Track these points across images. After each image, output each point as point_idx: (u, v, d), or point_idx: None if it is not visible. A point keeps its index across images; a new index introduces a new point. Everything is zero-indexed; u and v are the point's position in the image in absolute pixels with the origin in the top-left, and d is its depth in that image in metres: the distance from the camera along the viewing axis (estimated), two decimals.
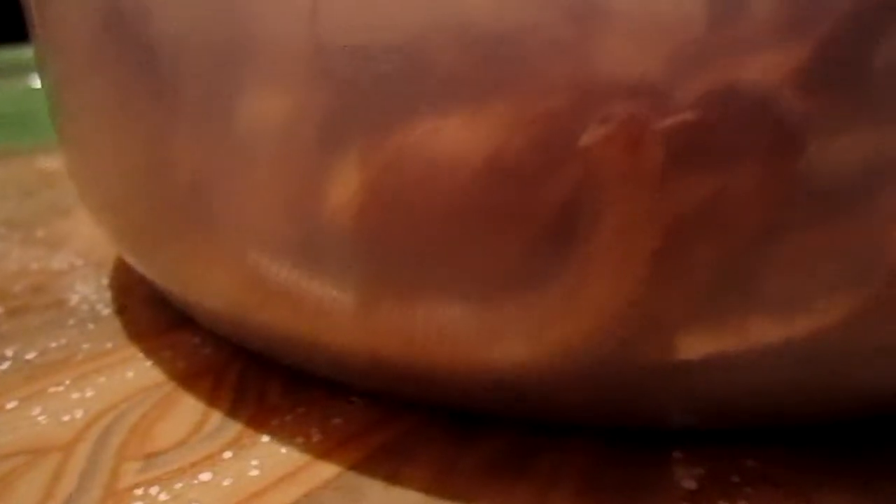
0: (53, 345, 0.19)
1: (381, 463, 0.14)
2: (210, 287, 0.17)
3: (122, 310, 0.21)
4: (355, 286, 0.14)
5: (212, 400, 0.17)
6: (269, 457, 0.15)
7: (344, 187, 0.14)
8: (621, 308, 0.12)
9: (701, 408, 0.14)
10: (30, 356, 0.19)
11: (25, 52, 0.20)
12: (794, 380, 0.13)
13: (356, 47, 0.13)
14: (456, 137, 0.12)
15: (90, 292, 0.22)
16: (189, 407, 0.16)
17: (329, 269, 0.14)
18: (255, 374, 0.18)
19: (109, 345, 0.19)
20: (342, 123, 0.13)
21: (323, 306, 0.15)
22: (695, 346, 0.13)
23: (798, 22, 0.11)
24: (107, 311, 0.21)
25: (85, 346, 0.19)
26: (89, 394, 0.17)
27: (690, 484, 0.14)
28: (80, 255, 0.25)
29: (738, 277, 0.13)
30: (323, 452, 0.15)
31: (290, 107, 0.14)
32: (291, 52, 0.13)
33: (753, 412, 0.14)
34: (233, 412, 0.16)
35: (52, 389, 0.17)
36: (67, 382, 0.17)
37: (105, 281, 0.23)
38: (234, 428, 0.16)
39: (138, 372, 0.18)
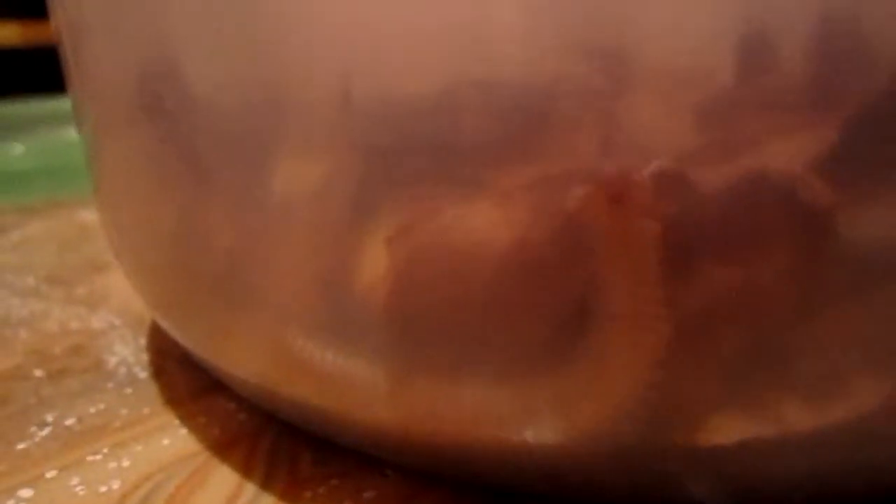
0: (92, 410, 0.20)
1: None
2: (241, 357, 0.17)
3: (158, 373, 0.22)
4: (386, 365, 0.14)
5: (246, 471, 0.17)
6: None
7: (373, 267, 0.14)
8: (639, 391, 0.12)
9: (732, 493, 0.14)
10: (69, 422, 0.19)
11: (68, 103, 0.21)
12: (829, 466, 0.13)
13: (387, 120, 0.13)
14: (481, 225, 0.12)
15: (128, 354, 0.23)
16: (224, 477, 0.17)
17: (359, 347, 0.14)
18: (287, 443, 0.18)
19: (146, 410, 0.20)
20: (371, 201, 0.13)
21: (353, 383, 0.15)
22: (723, 431, 0.13)
23: (824, 105, 0.11)
24: (144, 374, 0.22)
25: (123, 411, 0.20)
26: (126, 463, 0.17)
27: None
28: (119, 314, 0.26)
29: (768, 361, 0.12)
30: None
31: (322, 180, 0.14)
32: (324, 122, 0.14)
33: (789, 499, 0.14)
34: (266, 484, 0.16)
35: (90, 458, 0.18)
36: (105, 451, 0.18)
37: (143, 341, 0.24)
38: (269, 500, 0.16)
39: (174, 440, 0.18)
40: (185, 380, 0.21)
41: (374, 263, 0.14)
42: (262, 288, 0.16)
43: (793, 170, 0.11)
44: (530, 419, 0.14)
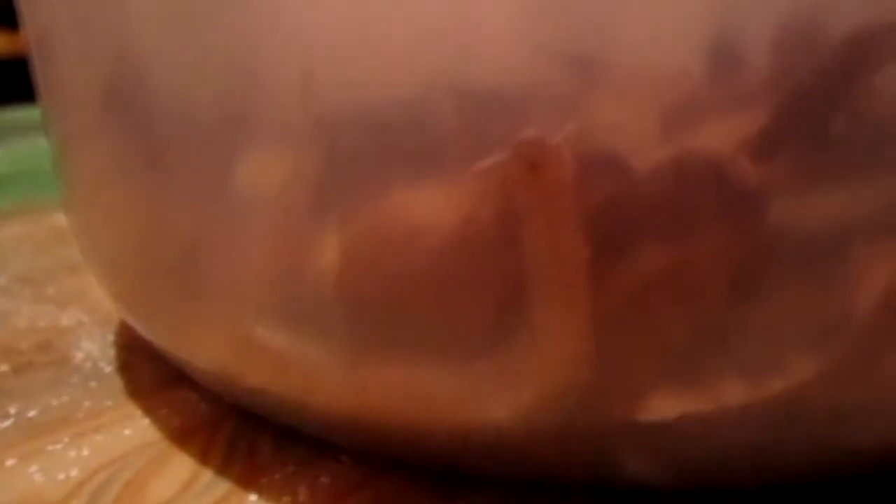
0: (55, 402, 0.20)
1: None
2: (201, 347, 0.17)
3: (124, 367, 0.22)
4: (338, 349, 0.15)
5: (204, 457, 0.17)
6: None
7: (327, 252, 0.14)
8: (575, 368, 0.13)
9: (675, 469, 0.14)
10: (31, 414, 0.19)
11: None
12: (767, 441, 0.13)
13: (352, 118, 0.13)
14: (428, 207, 0.13)
15: (95, 349, 0.23)
16: (181, 465, 0.17)
17: (313, 333, 0.15)
18: (247, 431, 0.18)
19: (109, 402, 0.20)
20: (324, 189, 0.14)
21: (308, 368, 0.15)
22: (661, 407, 0.13)
23: (752, 89, 0.11)
24: (109, 368, 0.22)
25: (86, 403, 0.20)
26: (86, 452, 0.17)
27: None
28: (88, 312, 0.26)
29: (705, 338, 0.13)
30: None
31: (277, 173, 0.14)
32: (281, 120, 0.14)
33: (729, 473, 0.14)
34: (223, 470, 0.16)
35: (50, 447, 0.18)
36: (66, 440, 0.18)
37: (110, 338, 0.24)
38: (224, 486, 0.16)
39: (135, 430, 0.18)
40: (150, 373, 0.21)
41: (328, 249, 0.14)
42: (221, 278, 0.16)
43: (722, 150, 0.12)
44: (475, 399, 0.14)
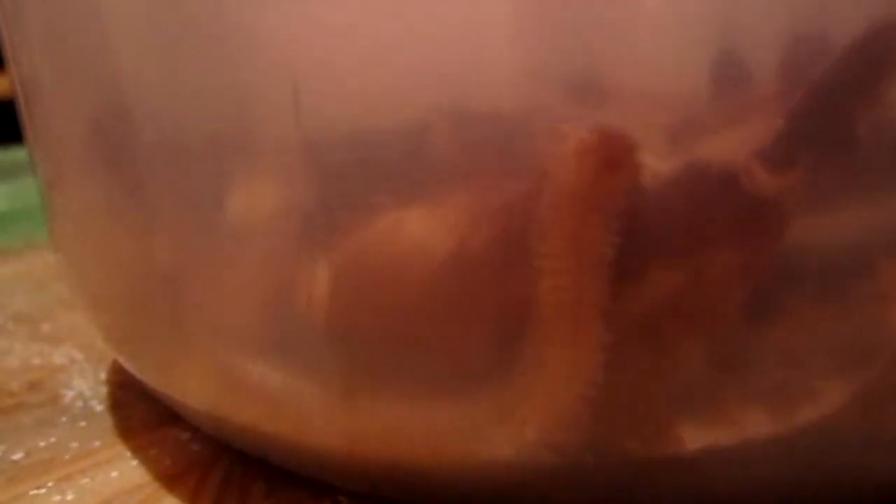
0: (42, 444, 0.19)
1: None
2: (192, 385, 0.17)
3: (115, 406, 0.21)
4: (331, 383, 0.14)
5: (194, 500, 0.16)
6: None
7: (315, 282, 0.13)
8: (585, 398, 0.12)
9: None
10: (17, 456, 0.18)
11: None
12: (797, 474, 0.12)
13: (331, 140, 0.13)
14: (419, 229, 0.12)
15: (86, 388, 0.22)
16: None
17: (305, 367, 0.14)
18: (239, 473, 0.17)
19: (98, 443, 0.19)
20: (313, 217, 0.13)
21: (301, 405, 0.14)
22: (679, 441, 0.12)
23: (762, 103, 0.11)
24: (100, 407, 0.21)
25: (73, 444, 0.19)
26: (70, 496, 0.16)
27: None
28: (82, 349, 0.25)
29: (725, 365, 0.12)
30: None
31: (265, 202, 0.14)
32: (271, 148, 0.13)
33: None
34: None
35: (33, 492, 0.17)
36: (50, 484, 0.17)
37: (103, 376, 0.23)
38: None
39: (123, 472, 0.17)
40: (142, 412, 0.20)
41: (316, 279, 0.13)
42: (209, 312, 0.15)
43: (735, 159, 0.11)
44: (476, 435, 0.13)
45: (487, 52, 0.11)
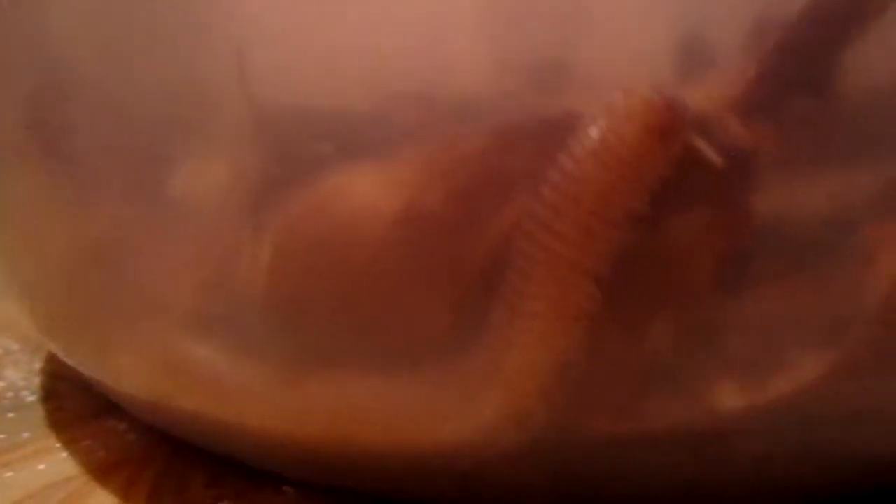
0: None
1: None
2: (128, 372, 0.16)
3: (48, 397, 0.20)
4: (275, 363, 0.13)
5: (126, 494, 0.15)
6: None
7: (255, 255, 0.12)
8: (556, 375, 0.11)
9: (665, 489, 0.12)
10: None
11: None
12: (772, 451, 0.12)
13: (282, 116, 0.12)
14: (367, 188, 0.11)
15: (18, 378, 0.21)
16: (100, 502, 0.15)
17: (247, 346, 0.13)
18: (179, 463, 0.16)
19: (26, 435, 0.18)
20: (256, 190, 0.12)
21: (243, 386, 0.13)
22: (650, 416, 0.11)
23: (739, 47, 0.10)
24: (32, 398, 0.20)
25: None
26: None
27: None
28: (19, 340, 0.24)
29: (696, 338, 0.11)
30: None
31: (201, 180, 0.13)
32: (213, 126, 0.12)
33: (728, 492, 0.12)
34: None
35: None
36: None
37: (38, 366, 0.22)
38: None
39: (51, 465, 0.16)
40: (77, 403, 0.19)
41: (256, 251, 0.12)
42: (148, 294, 0.14)
43: (708, 110, 0.10)
44: (430, 415, 0.12)
45: (453, 39, 0.11)
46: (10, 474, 0.16)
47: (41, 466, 0.16)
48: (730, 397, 0.11)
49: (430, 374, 0.12)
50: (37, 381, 0.21)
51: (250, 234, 0.13)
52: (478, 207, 0.11)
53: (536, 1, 0.10)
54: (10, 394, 0.20)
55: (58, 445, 0.17)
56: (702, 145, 0.10)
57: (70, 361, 0.18)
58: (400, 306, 0.11)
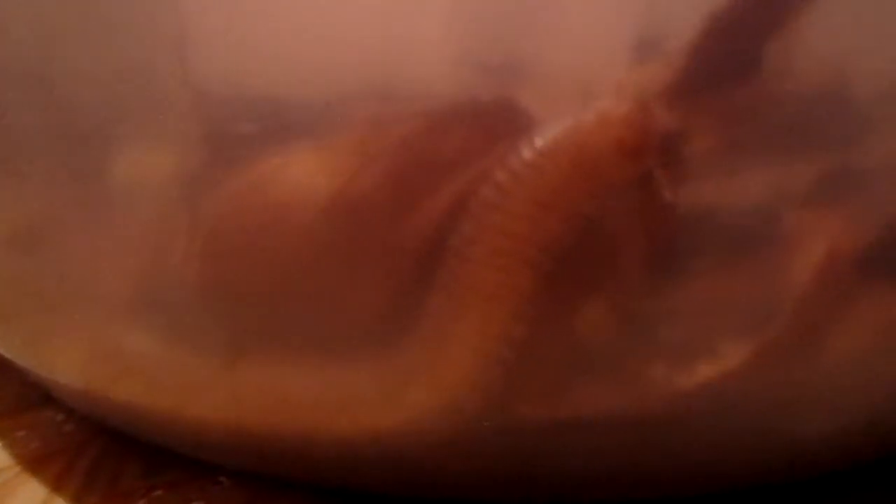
0: None
1: None
2: (62, 361, 0.15)
3: None
4: (209, 351, 0.13)
5: (57, 485, 0.15)
6: None
7: (189, 240, 0.12)
8: (490, 362, 0.11)
9: (598, 478, 0.12)
10: None
11: None
12: (691, 435, 0.12)
13: (223, 106, 0.12)
14: (301, 171, 0.11)
15: None
16: (30, 494, 0.14)
17: (181, 332, 0.13)
18: (114, 453, 0.16)
19: None
20: (186, 173, 0.12)
21: (176, 374, 0.13)
22: (582, 402, 0.11)
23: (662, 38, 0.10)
24: None
25: None
26: None
27: None
28: None
29: (627, 324, 0.11)
30: None
31: (136, 166, 0.12)
32: (150, 112, 0.12)
33: (661, 480, 0.13)
34: (78, 498, 0.14)
35: None
36: None
37: None
38: None
39: None
40: (13, 394, 0.19)
41: (190, 235, 0.12)
42: (80, 281, 0.14)
43: (634, 98, 0.10)
44: (364, 403, 0.12)
45: (411, 31, 0.11)
46: None
47: None
48: (661, 383, 0.11)
49: (364, 360, 0.12)
50: None
51: (185, 219, 0.12)
52: (412, 192, 0.11)
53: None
54: None
55: None
56: (660, 177, 0.10)
57: (3, 351, 0.17)
58: (333, 292, 0.11)
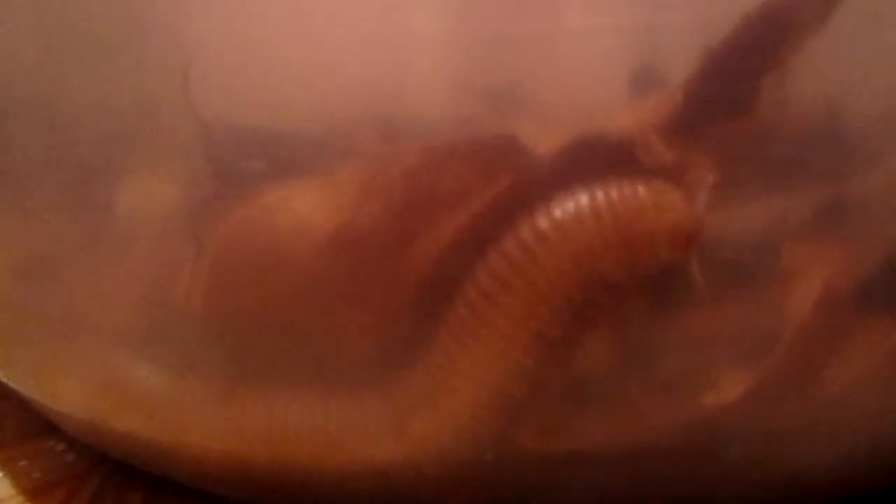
0: None
1: None
2: (64, 391, 0.15)
3: None
4: (211, 380, 0.13)
5: None
6: None
7: (193, 272, 0.12)
8: (493, 396, 0.11)
9: (596, 502, 0.12)
10: None
11: None
12: (699, 464, 0.12)
13: (228, 138, 0.12)
14: (304, 205, 0.11)
15: None
16: None
17: (183, 364, 0.13)
18: (116, 483, 0.16)
19: None
20: (191, 206, 0.12)
21: (179, 405, 0.13)
22: (579, 433, 0.11)
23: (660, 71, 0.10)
24: None
25: None
26: None
27: None
28: None
29: (628, 355, 0.11)
30: None
31: (141, 197, 0.13)
32: (156, 143, 0.12)
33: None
34: None
35: None
36: None
37: None
38: None
39: None
40: (15, 423, 0.19)
41: (195, 268, 0.12)
42: (84, 312, 0.14)
43: (631, 133, 0.10)
44: (366, 435, 0.12)
45: (411, 64, 0.11)
46: None
47: None
48: (661, 415, 0.11)
49: (365, 392, 0.12)
50: None
51: (188, 251, 0.12)
52: (413, 226, 0.11)
53: (496, 28, 0.10)
54: None
55: None
56: (694, 267, 0.10)
57: (7, 380, 0.17)
58: (335, 324, 0.11)
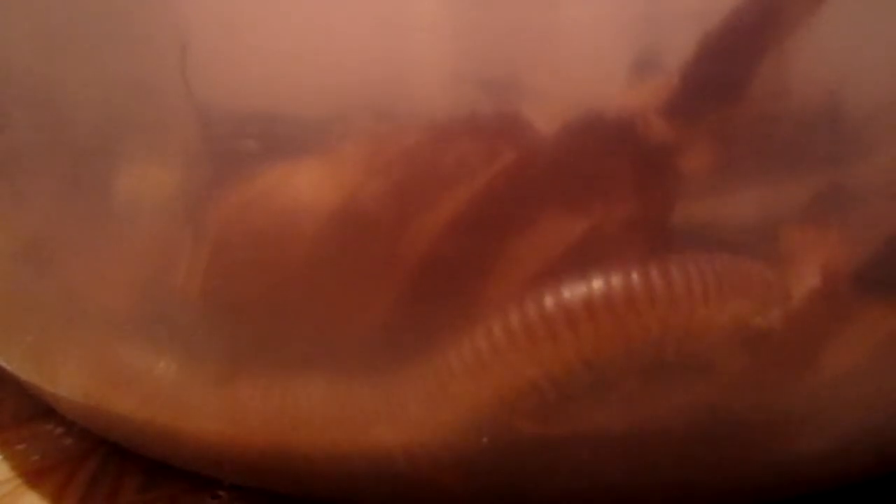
0: None
1: None
2: (63, 375, 0.15)
3: None
4: (210, 363, 0.13)
5: (59, 496, 0.15)
6: None
7: (192, 253, 0.12)
8: (494, 383, 0.11)
9: (592, 487, 0.12)
10: None
11: None
12: (693, 450, 0.12)
13: (226, 122, 0.12)
14: (304, 184, 0.11)
15: None
16: None
17: (182, 346, 0.13)
18: (113, 466, 0.16)
19: None
20: (190, 188, 0.12)
21: (177, 388, 0.13)
22: (583, 420, 0.11)
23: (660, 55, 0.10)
24: None
25: None
26: None
27: None
28: None
29: None
30: None
31: (139, 181, 0.13)
32: (154, 127, 0.12)
33: (655, 496, 0.13)
34: None
35: None
36: None
37: None
38: None
39: None
40: (13, 406, 0.19)
41: (195, 250, 0.12)
42: (83, 296, 0.14)
43: (629, 109, 0.10)
44: (366, 418, 0.12)
45: (412, 50, 0.11)
46: None
47: None
48: (657, 400, 0.11)
49: (364, 375, 0.12)
50: None
51: (186, 233, 0.12)
52: (414, 205, 0.11)
53: (496, 14, 0.10)
54: None
55: None
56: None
57: (4, 363, 0.17)
58: (334, 307, 0.11)
